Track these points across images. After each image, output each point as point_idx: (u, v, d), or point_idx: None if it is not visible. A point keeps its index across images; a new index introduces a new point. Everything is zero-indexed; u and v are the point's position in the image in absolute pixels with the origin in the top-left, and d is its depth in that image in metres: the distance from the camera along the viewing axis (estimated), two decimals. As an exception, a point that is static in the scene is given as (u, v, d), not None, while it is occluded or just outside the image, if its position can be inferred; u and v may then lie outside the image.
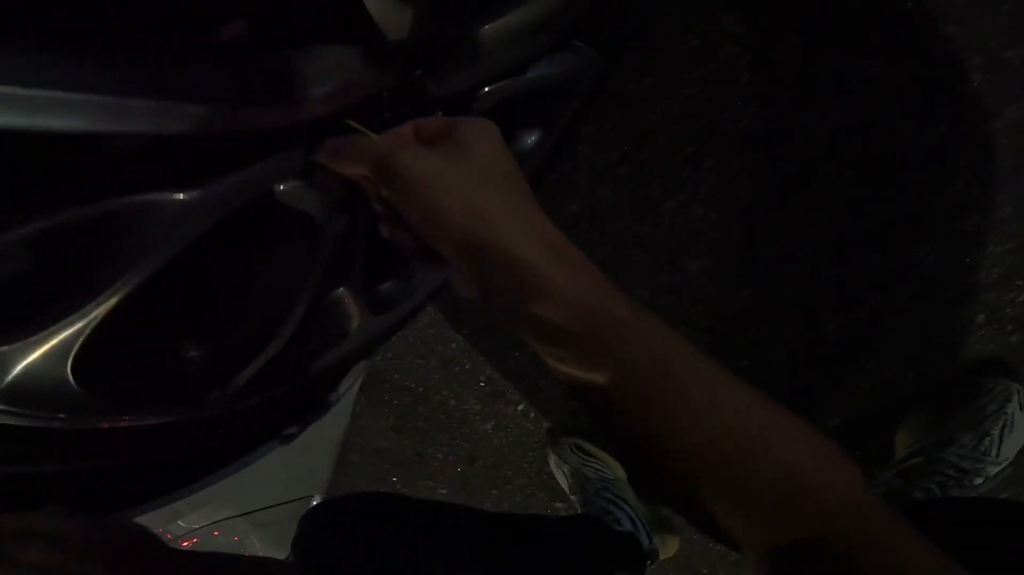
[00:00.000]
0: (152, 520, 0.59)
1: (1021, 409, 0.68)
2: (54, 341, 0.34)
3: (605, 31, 0.70)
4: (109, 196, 0.32)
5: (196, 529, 0.78)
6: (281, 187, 0.45)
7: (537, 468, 1.12)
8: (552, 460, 1.07)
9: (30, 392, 0.36)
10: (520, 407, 1.08)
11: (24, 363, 0.35)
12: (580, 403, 0.35)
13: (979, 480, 0.70)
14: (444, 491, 1.29)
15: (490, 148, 0.34)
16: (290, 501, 1.03)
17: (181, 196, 0.34)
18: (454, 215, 0.31)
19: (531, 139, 0.77)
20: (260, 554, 0.97)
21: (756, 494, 0.31)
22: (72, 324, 0.34)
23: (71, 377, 0.37)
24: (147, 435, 0.51)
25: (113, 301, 0.35)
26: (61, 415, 0.40)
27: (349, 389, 0.93)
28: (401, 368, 1.15)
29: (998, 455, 0.69)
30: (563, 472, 1.05)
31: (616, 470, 1.02)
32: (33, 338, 0.33)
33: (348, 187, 0.46)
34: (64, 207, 0.31)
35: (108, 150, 0.34)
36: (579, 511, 1.02)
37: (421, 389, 1.16)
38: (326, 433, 1.02)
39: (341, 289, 0.60)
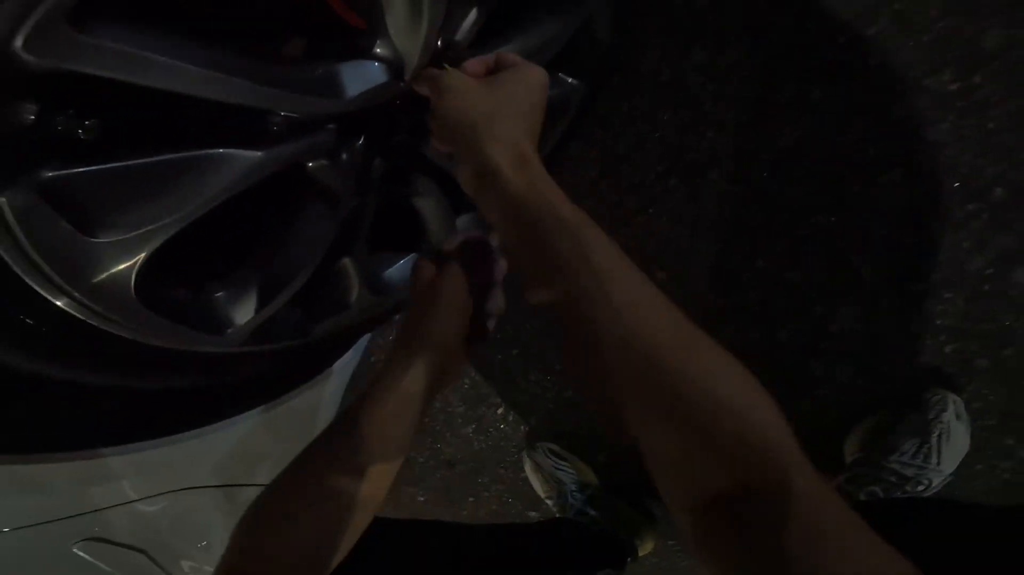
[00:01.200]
0: (81, 473, 0.59)
1: (957, 418, 0.73)
2: (134, 249, 0.44)
3: (590, 63, 0.82)
4: (204, 146, 0.45)
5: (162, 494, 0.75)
6: (310, 164, 0.56)
7: (512, 475, 1.16)
8: (528, 465, 1.11)
9: (106, 295, 0.45)
10: (500, 410, 1.13)
11: (110, 270, 0.44)
12: (528, 286, 0.41)
13: (921, 487, 0.74)
14: (423, 498, 1.32)
15: (519, 89, 0.45)
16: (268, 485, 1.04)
17: (251, 153, 0.47)
18: (464, 127, 0.43)
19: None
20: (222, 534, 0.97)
21: (687, 417, 0.33)
22: (152, 236, 0.43)
23: (133, 288, 0.46)
24: (175, 361, 0.59)
25: (183, 220, 0.44)
26: (123, 321, 0.49)
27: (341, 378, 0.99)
28: (393, 369, 1.22)
29: (938, 463, 0.73)
30: (539, 477, 1.09)
31: (589, 475, 1.05)
32: (124, 237, 0.42)
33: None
34: (171, 149, 0.43)
35: (210, 114, 0.45)
36: (556, 515, 1.05)
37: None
38: (312, 426, 1.06)
39: (346, 260, 0.69)
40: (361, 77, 0.52)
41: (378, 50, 0.52)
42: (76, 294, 0.46)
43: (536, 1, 0.69)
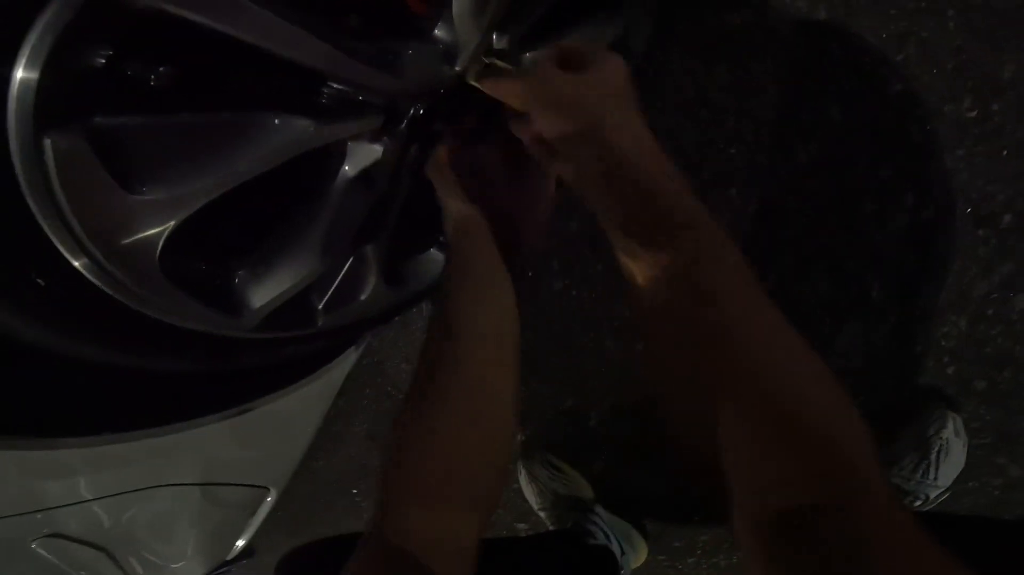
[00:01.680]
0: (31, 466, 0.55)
1: (957, 435, 0.76)
2: (171, 211, 0.40)
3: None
4: (259, 109, 0.43)
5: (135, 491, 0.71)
6: (351, 143, 0.54)
7: (506, 483, 1.14)
8: (522, 476, 1.09)
9: (131, 259, 0.42)
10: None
11: (140, 233, 0.41)
12: (640, 293, 0.39)
13: (918, 502, 0.77)
14: (407, 506, 1.27)
15: (611, 72, 0.44)
16: (247, 485, 0.99)
17: (304, 122, 0.46)
18: (578, 120, 0.41)
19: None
20: (192, 538, 0.92)
21: (788, 434, 0.32)
22: (193, 198, 0.41)
23: (158, 255, 0.43)
24: (188, 341, 0.55)
25: (226, 184, 0.42)
26: (140, 290, 0.45)
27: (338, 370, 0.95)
28: (386, 372, 1.18)
29: (936, 478, 0.76)
30: (533, 489, 1.07)
31: (585, 487, 1.04)
32: (164, 196, 0.39)
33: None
34: (228, 109, 0.41)
35: (270, 77, 0.43)
36: (549, 528, 1.03)
37: (402, 395, 1.18)
38: (297, 427, 1.01)
39: (368, 247, 0.66)
40: (418, 59, 0.51)
41: (437, 33, 0.51)
42: (98, 255, 0.42)
43: (577, 6, 0.70)
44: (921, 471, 0.75)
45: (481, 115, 0.70)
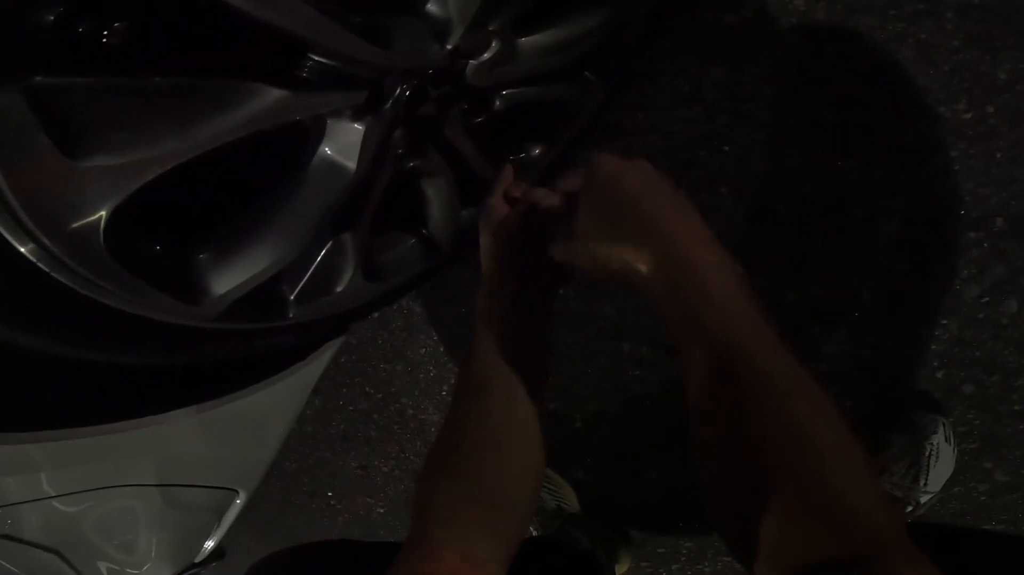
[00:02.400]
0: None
1: (947, 440, 0.75)
2: (120, 181, 0.37)
3: (610, 68, 0.81)
4: (228, 75, 0.39)
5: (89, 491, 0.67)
6: (330, 120, 0.51)
7: (487, 487, 1.10)
8: (505, 480, 1.06)
9: (79, 244, 0.38)
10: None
11: (79, 209, 0.37)
12: (698, 394, 0.38)
13: (910, 507, 0.76)
14: (382, 510, 1.23)
15: (642, 172, 0.43)
16: (213, 487, 0.94)
17: (279, 92, 0.42)
18: (645, 217, 0.41)
19: (536, 150, 0.86)
20: (154, 542, 0.88)
21: (815, 503, 0.32)
22: (145, 166, 0.37)
23: (103, 233, 0.39)
24: (146, 331, 0.51)
25: (184, 153, 0.38)
26: (94, 276, 0.41)
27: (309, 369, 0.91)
28: (364, 372, 1.14)
29: (926, 484, 0.75)
30: (516, 493, 1.04)
31: (569, 494, 1.02)
32: (113, 163, 0.36)
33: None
34: (192, 72, 0.38)
35: (243, 40, 0.40)
36: (533, 534, 1.01)
37: (380, 395, 1.14)
38: (268, 428, 0.97)
39: (347, 235, 0.63)
40: (407, 34, 0.47)
41: (429, 7, 0.48)
42: (44, 238, 0.38)
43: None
44: (911, 476, 0.74)
45: (471, 100, 0.68)
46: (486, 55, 0.58)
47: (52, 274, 0.42)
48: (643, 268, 0.40)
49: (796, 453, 0.34)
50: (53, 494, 0.63)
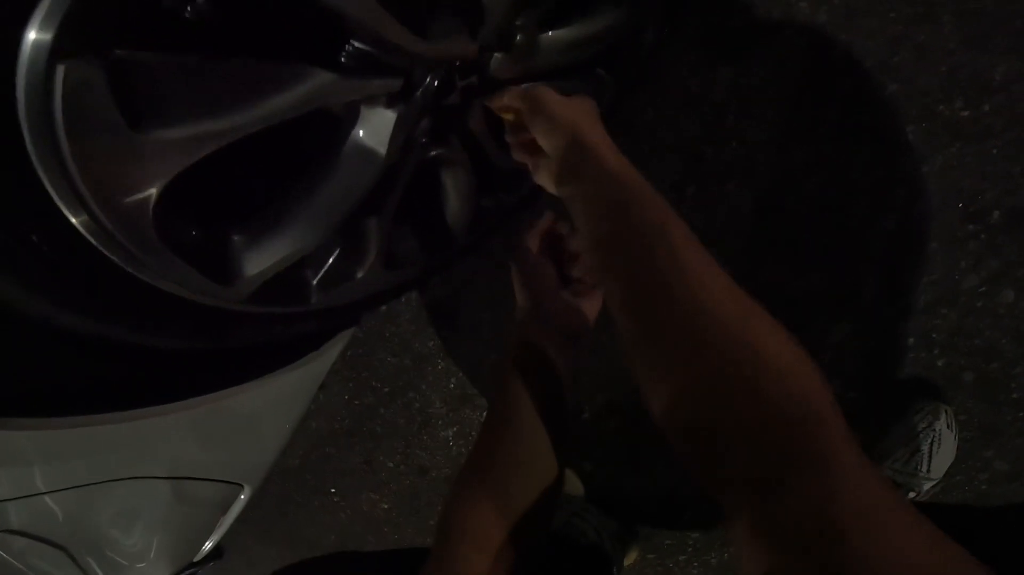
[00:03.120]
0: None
1: (948, 427, 0.78)
2: (179, 153, 0.39)
3: (623, 67, 0.85)
4: (282, 55, 0.41)
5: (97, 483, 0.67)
6: (364, 107, 0.53)
7: (494, 481, 1.12)
8: (512, 474, 1.07)
9: (129, 219, 0.40)
10: (484, 413, 1.09)
11: (137, 181, 0.39)
12: (601, 259, 0.45)
13: (912, 494, 0.78)
14: (386, 506, 1.24)
15: (584, 103, 0.55)
16: (218, 480, 0.94)
17: (328, 74, 0.44)
18: (567, 121, 0.51)
19: (548, 143, 0.88)
20: (157, 537, 0.88)
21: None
22: (204, 140, 0.39)
23: (152, 208, 0.41)
24: (176, 312, 0.53)
25: (240, 130, 0.40)
26: (140, 251, 0.43)
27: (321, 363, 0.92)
28: (371, 365, 1.15)
29: (928, 470, 0.77)
30: (522, 485, 1.05)
31: (576, 486, 1.03)
32: (174, 135, 0.37)
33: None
34: (252, 52, 0.39)
35: (298, 25, 0.42)
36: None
37: (387, 389, 1.16)
38: (274, 422, 0.98)
39: (372, 220, 0.65)
40: (444, 25, 0.50)
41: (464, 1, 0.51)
42: (97, 211, 0.40)
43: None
44: (915, 464, 0.77)
45: (493, 93, 0.70)
46: (511, 49, 0.61)
47: (99, 247, 0.43)
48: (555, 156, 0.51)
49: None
50: (59, 487, 0.63)
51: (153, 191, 0.40)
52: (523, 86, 0.57)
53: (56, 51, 0.31)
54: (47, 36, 0.30)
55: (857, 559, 0.26)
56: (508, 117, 0.60)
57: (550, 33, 0.65)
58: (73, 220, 0.40)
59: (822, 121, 0.80)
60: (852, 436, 0.31)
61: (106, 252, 0.44)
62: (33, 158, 0.35)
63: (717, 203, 0.85)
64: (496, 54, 0.61)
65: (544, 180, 0.55)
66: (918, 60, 0.74)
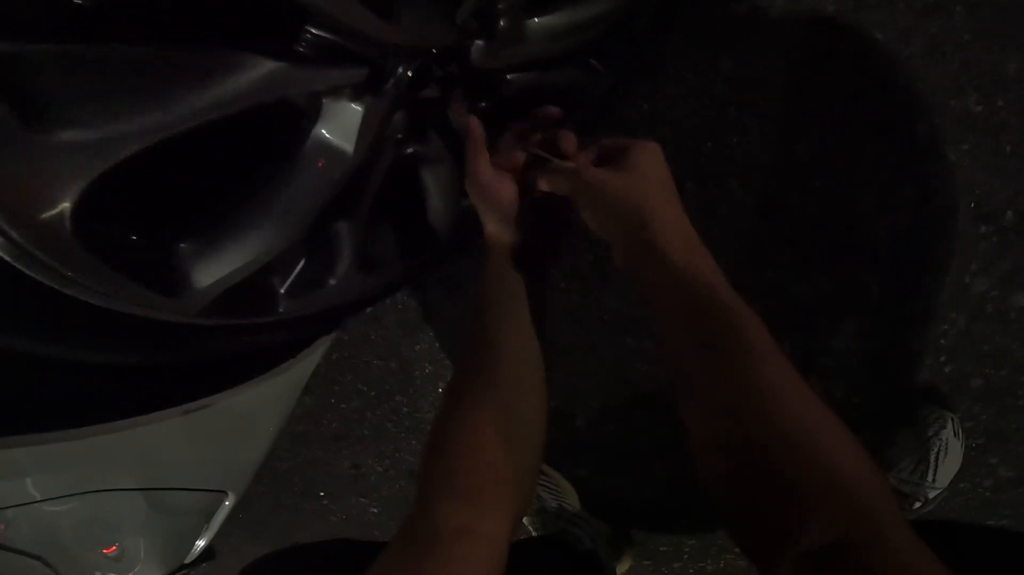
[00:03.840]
0: None
1: (955, 436, 0.73)
2: (93, 157, 0.32)
3: (617, 58, 0.78)
4: (218, 43, 0.35)
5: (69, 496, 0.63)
6: (326, 100, 0.47)
7: (484, 486, 1.07)
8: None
9: (46, 232, 0.34)
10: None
11: (43, 193, 0.32)
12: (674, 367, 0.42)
13: (918, 504, 0.74)
14: (376, 510, 1.19)
15: (655, 163, 0.47)
16: (200, 490, 0.89)
17: (274, 64, 0.37)
18: (625, 217, 0.44)
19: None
20: (141, 546, 0.83)
21: (805, 481, 0.33)
22: (122, 142, 0.32)
23: (71, 219, 0.35)
24: (127, 329, 0.47)
25: (166, 128, 0.34)
26: (66, 268, 0.37)
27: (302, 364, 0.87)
28: (357, 368, 1.09)
29: (934, 480, 0.73)
30: (515, 492, 1.01)
31: (570, 492, 0.99)
32: (86, 137, 0.31)
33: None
34: (177, 39, 0.33)
35: (243, 12, 0.36)
36: (533, 534, 0.97)
37: (374, 393, 1.10)
38: (257, 429, 0.93)
39: (343, 223, 0.59)
40: (415, 8, 0.43)
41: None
42: (11, 231, 0.34)
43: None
44: (920, 473, 0.72)
45: (475, 84, 0.64)
46: (494, 35, 0.55)
47: (24, 270, 0.37)
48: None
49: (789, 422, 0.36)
50: (37, 498, 0.59)
51: (67, 203, 0.34)
52: (566, 164, 0.50)
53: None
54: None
55: None
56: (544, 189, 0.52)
57: (536, 19, 0.58)
58: None
59: (828, 116, 0.74)
60: (900, 516, 0.32)
61: (30, 273, 0.38)
62: None
63: (718, 200, 0.79)
64: (478, 41, 0.54)
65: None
66: (930, 53, 0.68)
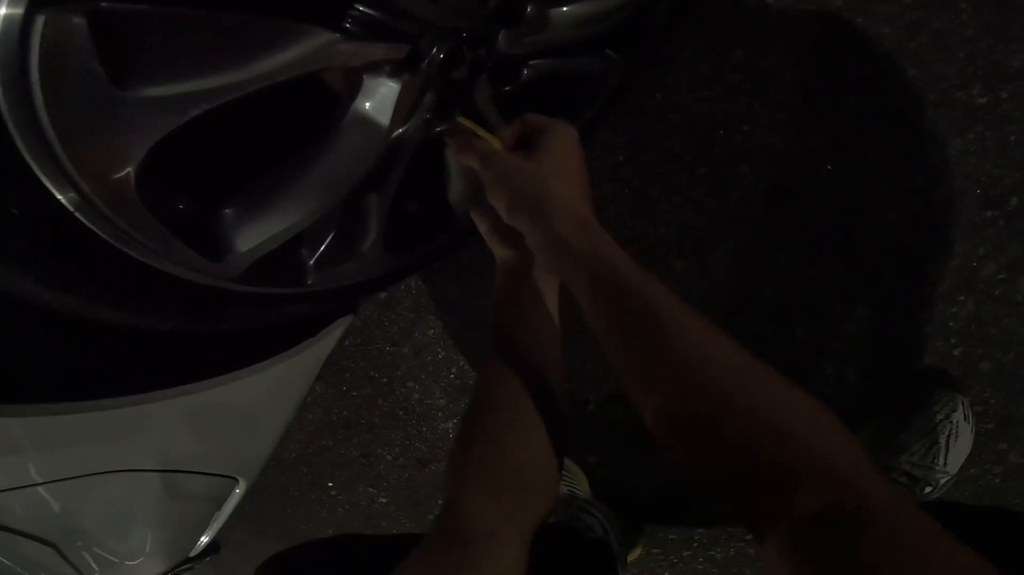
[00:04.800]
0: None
1: (966, 419, 0.76)
2: (166, 113, 0.37)
3: (633, 47, 0.83)
4: (284, 13, 0.39)
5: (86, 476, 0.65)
6: (366, 76, 0.51)
7: (495, 474, 1.10)
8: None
9: (118, 194, 0.38)
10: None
11: (117, 142, 0.36)
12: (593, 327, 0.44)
13: (929, 488, 0.76)
14: (384, 499, 1.22)
15: (562, 154, 0.50)
16: (212, 474, 0.91)
17: (330, 34, 0.42)
18: (525, 204, 0.47)
19: (558, 122, 0.87)
20: (151, 533, 0.85)
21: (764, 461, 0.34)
22: (195, 99, 0.37)
23: (135, 175, 0.39)
24: (167, 291, 0.51)
25: (234, 90, 0.38)
26: (126, 223, 0.41)
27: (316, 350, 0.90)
28: (369, 355, 1.13)
29: (945, 464, 0.76)
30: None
31: (582, 480, 1.02)
32: (162, 93, 0.35)
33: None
34: (252, 9, 0.37)
35: None
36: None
37: (385, 379, 1.14)
38: (271, 413, 0.96)
39: (372, 196, 0.63)
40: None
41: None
42: (81, 181, 0.38)
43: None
44: (932, 457, 0.75)
45: (500, 68, 0.68)
46: (521, 21, 0.59)
47: (82, 219, 0.41)
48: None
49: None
50: (49, 479, 0.60)
51: (134, 164, 0.38)
52: (490, 139, 0.54)
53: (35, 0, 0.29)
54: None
55: None
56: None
57: (564, 8, 0.63)
58: (54, 190, 0.38)
59: (838, 104, 0.78)
60: (883, 480, 0.33)
61: (90, 225, 0.42)
62: (9, 125, 0.33)
63: (730, 186, 0.83)
64: (505, 28, 0.59)
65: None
66: (936, 46, 0.73)
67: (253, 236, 0.53)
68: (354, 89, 0.52)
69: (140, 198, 0.42)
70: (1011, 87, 0.71)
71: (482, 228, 0.60)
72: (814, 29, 0.78)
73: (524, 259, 0.57)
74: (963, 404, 0.76)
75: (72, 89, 0.34)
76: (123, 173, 0.40)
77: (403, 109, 0.55)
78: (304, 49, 0.40)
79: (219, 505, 1.01)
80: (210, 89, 0.38)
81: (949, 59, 0.73)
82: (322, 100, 0.54)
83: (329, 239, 0.65)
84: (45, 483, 0.59)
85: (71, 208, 0.40)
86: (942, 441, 0.75)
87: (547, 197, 0.47)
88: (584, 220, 0.47)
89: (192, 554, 1.05)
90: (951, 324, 0.76)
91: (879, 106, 0.76)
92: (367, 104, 0.53)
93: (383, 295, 1.08)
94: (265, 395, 0.87)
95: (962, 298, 0.75)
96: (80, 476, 0.63)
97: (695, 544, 0.98)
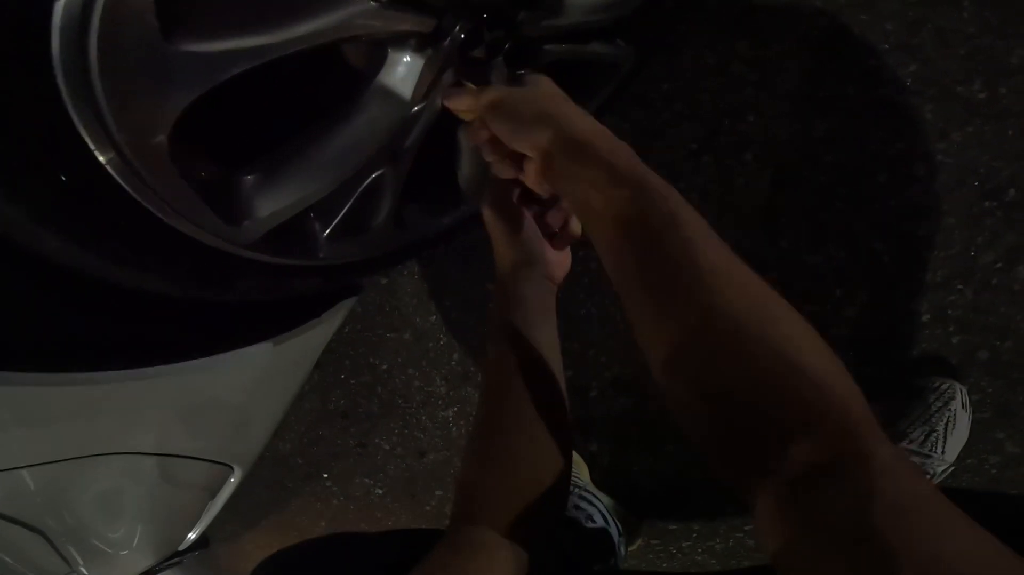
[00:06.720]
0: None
1: (963, 407, 0.80)
2: (212, 69, 0.40)
3: (642, 38, 0.88)
4: None
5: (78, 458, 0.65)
6: (391, 49, 0.55)
7: (495, 464, 1.13)
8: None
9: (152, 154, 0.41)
10: (488, 393, 1.11)
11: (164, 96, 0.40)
12: (602, 253, 0.44)
13: (928, 476, 0.80)
14: (381, 491, 1.25)
15: (545, 83, 0.53)
16: (208, 460, 0.93)
17: (370, 1, 0.45)
18: (533, 119, 0.48)
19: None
20: (142, 521, 0.86)
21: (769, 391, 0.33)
22: (239, 56, 0.41)
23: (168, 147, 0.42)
24: (186, 259, 0.54)
25: (275, 50, 0.42)
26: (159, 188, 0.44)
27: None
28: (369, 342, 1.16)
29: (943, 452, 0.80)
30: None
31: (582, 469, 1.05)
32: (209, 48, 0.39)
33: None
34: None
35: None
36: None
37: (385, 367, 1.17)
38: (268, 397, 0.97)
39: (387, 170, 0.67)
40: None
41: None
42: (124, 145, 0.42)
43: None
44: (930, 445, 0.79)
45: (517, 50, 0.73)
46: (539, 4, 0.64)
47: (114, 174, 0.45)
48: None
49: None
50: (40, 461, 0.61)
51: (175, 115, 0.42)
52: (473, 87, 0.56)
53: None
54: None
55: (889, 557, 0.26)
56: (468, 118, 0.57)
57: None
58: (96, 152, 0.42)
59: (841, 96, 0.83)
60: (884, 435, 0.32)
61: (123, 184, 0.45)
62: (60, 84, 0.37)
63: (735, 173, 0.88)
64: (524, 10, 0.63)
65: (532, 183, 0.52)
66: (937, 42, 0.78)
67: (272, 202, 0.57)
68: (379, 62, 0.56)
69: (173, 162, 0.46)
70: (1010, 83, 0.77)
71: (487, 216, 0.63)
72: (819, 23, 0.84)
73: (524, 252, 0.61)
74: (961, 392, 0.80)
75: (126, 40, 0.37)
76: (159, 132, 0.43)
77: (424, 84, 0.59)
78: (344, 14, 0.44)
79: (213, 494, 1.02)
80: (251, 48, 0.42)
81: (950, 55, 0.78)
82: (345, 72, 0.58)
83: (344, 211, 0.68)
84: (35, 465, 0.61)
85: (110, 169, 0.43)
86: (940, 429, 0.79)
87: (553, 106, 0.48)
88: (595, 123, 0.47)
89: (181, 548, 1.06)
90: (949, 312, 0.81)
91: (881, 98, 0.81)
92: (391, 77, 0.57)
93: (384, 281, 1.12)
94: (264, 377, 0.89)
95: (960, 286, 0.80)
96: (71, 459, 0.63)
97: (694, 534, 1.01)
